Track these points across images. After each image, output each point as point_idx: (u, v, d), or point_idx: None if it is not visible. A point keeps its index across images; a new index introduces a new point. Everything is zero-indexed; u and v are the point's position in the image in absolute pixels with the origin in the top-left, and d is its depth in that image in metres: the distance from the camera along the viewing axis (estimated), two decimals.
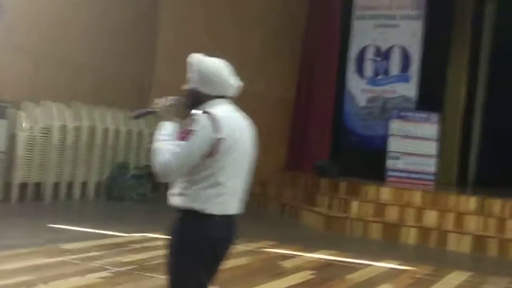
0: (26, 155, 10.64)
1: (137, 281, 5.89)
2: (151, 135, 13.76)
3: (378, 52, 13.90)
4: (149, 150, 2.96)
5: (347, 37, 14.02)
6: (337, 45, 14.08)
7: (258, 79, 14.53)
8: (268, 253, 8.11)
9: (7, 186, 10.47)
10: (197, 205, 2.86)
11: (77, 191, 11.77)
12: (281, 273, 6.89)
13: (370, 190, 11.36)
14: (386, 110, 13.53)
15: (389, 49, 13.78)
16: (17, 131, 10.51)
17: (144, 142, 13.57)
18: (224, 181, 2.89)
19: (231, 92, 3.07)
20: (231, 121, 2.95)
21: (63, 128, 11.25)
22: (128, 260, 6.77)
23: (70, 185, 11.65)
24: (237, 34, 14.50)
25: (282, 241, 8.98)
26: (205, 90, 2.97)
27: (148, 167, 13.45)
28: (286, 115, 14.84)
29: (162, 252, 7.36)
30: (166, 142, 2.83)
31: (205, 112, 2.88)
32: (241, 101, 13.42)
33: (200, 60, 3.02)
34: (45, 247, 7.17)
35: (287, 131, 14.81)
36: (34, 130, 10.78)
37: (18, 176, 10.54)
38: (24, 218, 9.40)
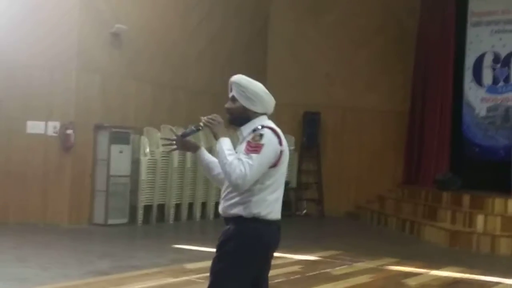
0: (149, 178, 11.10)
1: None
2: None
3: (497, 59, 13.26)
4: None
5: (462, 45, 13.52)
6: (452, 54, 13.60)
7: (370, 94, 14.35)
8: (390, 270, 7.89)
9: (133, 209, 10.97)
10: (260, 212, 3.09)
11: (197, 212, 12.13)
12: None
13: (497, 203, 10.78)
14: (509, 119, 12.87)
15: (509, 55, 13.12)
16: (140, 156, 11.00)
17: None
18: (279, 188, 3.19)
19: (272, 109, 3.32)
20: (282, 135, 3.23)
21: (183, 152, 11.65)
22: None
23: (191, 206, 12.02)
24: (347, 49, 14.43)
25: (405, 258, 8.72)
26: (253, 108, 3.23)
27: None
28: (401, 129, 14.50)
29: (282, 270, 7.41)
30: (235, 156, 3.09)
31: (268, 127, 3.15)
32: (355, 116, 13.36)
33: (249, 81, 3.26)
34: (170, 267, 7.38)
35: (403, 145, 14.46)
36: (156, 154, 11.24)
37: (143, 199, 11.01)
38: (149, 239, 9.77)
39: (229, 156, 3.09)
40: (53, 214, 10.40)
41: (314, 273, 7.42)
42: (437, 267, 8.10)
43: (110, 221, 10.60)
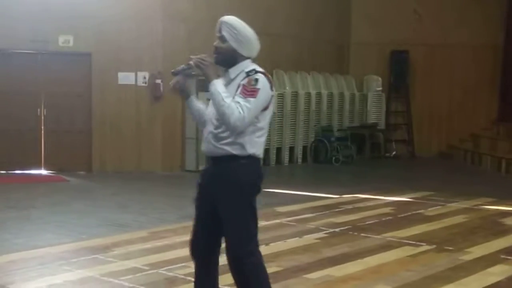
0: None
1: (353, 241, 5.92)
2: (352, 96, 13.52)
3: None
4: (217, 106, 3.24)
5: None
6: None
7: (460, 28, 13.74)
8: (486, 210, 7.68)
9: None
10: (254, 151, 3.25)
11: (285, 156, 12.23)
12: (504, 230, 6.48)
13: None
14: None
15: None
16: None
17: (345, 104, 13.58)
18: (266, 128, 3.33)
19: (255, 54, 3.38)
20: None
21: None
22: (341, 221, 6.85)
23: (279, 150, 12.13)
24: None
25: (502, 198, 8.46)
26: (242, 51, 3.29)
27: (352, 128, 13.50)
28: (495, 63, 13.86)
29: (373, 212, 7.36)
30: (231, 98, 3.15)
31: (261, 72, 3.23)
32: (444, 53, 12.76)
33: (242, 24, 3.31)
34: (262, 210, 7.46)
35: (498, 81, 13.84)
36: None
37: None
38: None
39: (226, 98, 3.15)
40: (147, 162, 10.80)
41: (406, 214, 7.35)
42: None
43: (201, 167, 10.85)
